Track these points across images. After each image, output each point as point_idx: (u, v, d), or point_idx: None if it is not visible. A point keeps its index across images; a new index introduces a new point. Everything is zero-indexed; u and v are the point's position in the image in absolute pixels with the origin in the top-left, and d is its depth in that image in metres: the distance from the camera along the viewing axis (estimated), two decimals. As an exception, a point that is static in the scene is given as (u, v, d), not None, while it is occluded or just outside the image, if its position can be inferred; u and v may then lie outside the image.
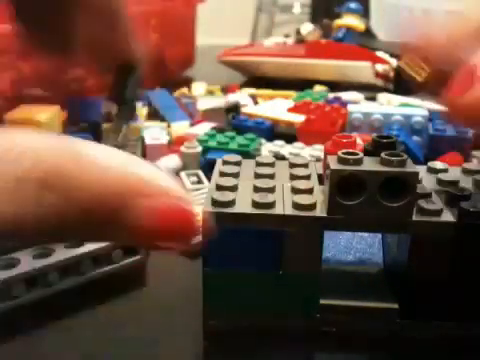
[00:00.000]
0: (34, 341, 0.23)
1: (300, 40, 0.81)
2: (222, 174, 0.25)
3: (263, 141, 0.45)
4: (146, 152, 0.43)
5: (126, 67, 0.17)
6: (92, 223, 0.13)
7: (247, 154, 0.41)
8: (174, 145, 0.45)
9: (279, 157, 0.40)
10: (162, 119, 0.53)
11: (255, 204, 0.22)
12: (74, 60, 0.20)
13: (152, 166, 0.14)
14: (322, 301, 0.23)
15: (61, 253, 0.26)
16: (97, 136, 0.47)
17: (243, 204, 0.22)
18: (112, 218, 0.13)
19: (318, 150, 0.42)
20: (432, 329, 0.23)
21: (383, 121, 0.45)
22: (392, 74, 0.69)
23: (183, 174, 0.40)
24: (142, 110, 0.54)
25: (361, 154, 0.21)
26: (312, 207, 0.22)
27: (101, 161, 0.14)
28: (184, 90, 0.65)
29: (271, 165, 0.26)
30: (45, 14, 0.18)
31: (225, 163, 0.26)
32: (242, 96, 0.60)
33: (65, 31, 0.18)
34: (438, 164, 0.27)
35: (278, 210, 0.22)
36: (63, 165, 0.13)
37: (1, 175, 0.13)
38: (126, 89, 0.17)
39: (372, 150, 0.23)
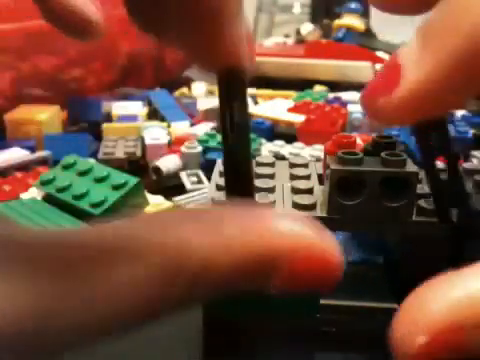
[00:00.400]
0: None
1: (300, 40, 0.81)
2: (222, 174, 0.25)
3: (263, 141, 0.45)
4: (146, 152, 0.43)
5: (231, 74, 0.15)
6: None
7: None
8: (174, 145, 0.45)
9: (279, 157, 0.40)
10: (162, 119, 0.53)
11: (255, 204, 0.22)
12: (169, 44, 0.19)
13: (287, 216, 0.14)
14: (322, 301, 0.23)
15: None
16: (97, 136, 0.48)
17: (243, 204, 0.22)
18: (255, 278, 0.13)
19: (318, 150, 0.42)
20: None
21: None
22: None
23: (183, 174, 0.40)
24: (142, 110, 0.54)
25: (361, 154, 0.21)
26: (312, 207, 0.22)
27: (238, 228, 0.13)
28: (184, 90, 0.65)
29: (271, 165, 0.26)
30: None
31: (225, 163, 0.26)
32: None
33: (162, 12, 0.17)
34: (438, 164, 0.27)
35: (278, 210, 0.22)
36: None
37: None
38: (234, 108, 0.15)
39: (372, 150, 0.23)
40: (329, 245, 0.13)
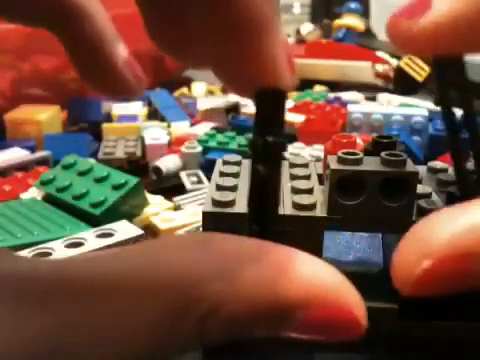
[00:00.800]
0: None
1: (300, 40, 0.81)
2: (222, 174, 0.25)
3: (263, 141, 0.45)
4: (146, 152, 0.43)
5: (269, 94, 0.13)
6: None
7: (247, 154, 0.41)
8: (174, 145, 0.45)
9: (279, 157, 0.39)
10: (162, 119, 0.53)
11: (255, 204, 0.22)
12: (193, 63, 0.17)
13: (306, 263, 0.13)
14: (322, 301, 0.23)
15: (61, 253, 0.26)
16: (97, 136, 0.48)
17: (243, 204, 0.22)
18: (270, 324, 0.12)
19: (318, 150, 0.42)
20: (432, 329, 0.23)
21: (383, 121, 0.45)
22: (392, 74, 0.69)
23: (183, 174, 0.40)
24: (142, 110, 0.54)
25: (361, 154, 0.21)
26: (312, 207, 0.22)
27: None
28: (184, 90, 0.65)
29: (271, 165, 0.26)
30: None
31: (225, 163, 0.26)
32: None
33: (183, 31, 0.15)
34: (438, 164, 0.27)
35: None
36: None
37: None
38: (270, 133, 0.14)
39: (372, 150, 0.23)
40: (349, 297, 0.13)
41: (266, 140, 0.14)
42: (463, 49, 0.13)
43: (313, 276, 0.13)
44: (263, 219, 0.14)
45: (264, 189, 0.14)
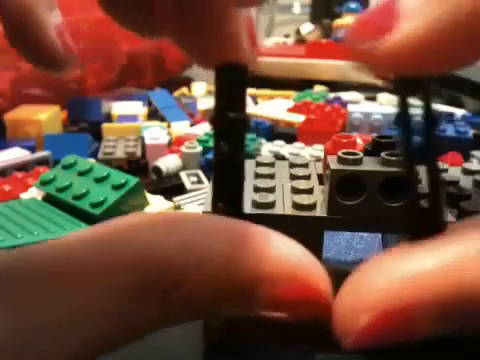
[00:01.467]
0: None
1: (300, 40, 0.82)
2: (222, 174, 0.25)
3: (263, 141, 0.45)
4: (146, 152, 0.43)
5: (229, 70, 0.12)
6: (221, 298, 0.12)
7: (247, 154, 0.41)
8: (174, 145, 0.45)
9: (279, 157, 0.40)
10: (162, 119, 0.53)
11: (255, 204, 0.22)
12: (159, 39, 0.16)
13: (274, 240, 0.13)
14: (322, 301, 0.23)
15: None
16: (97, 136, 0.48)
17: (243, 204, 0.22)
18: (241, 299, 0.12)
19: (318, 150, 0.42)
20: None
21: (383, 121, 0.45)
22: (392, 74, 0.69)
23: (183, 174, 0.40)
24: (142, 110, 0.54)
25: (361, 154, 0.21)
26: (312, 207, 0.22)
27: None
28: (184, 90, 0.65)
29: (271, 165, 0.26)
30: None
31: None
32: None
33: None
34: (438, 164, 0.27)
35: (278, 210, 0.22)
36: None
37: None
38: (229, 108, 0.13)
39: (372, 150, 0.23)
40: (316, 273, 0.13)
41: (227, 116, 0.14)
42: (432, 70, 0.12)
43: (280, 253, 0.12)
44: (228, 196, 0.14)
45: (228, 166, 0.14)
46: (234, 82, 0.14)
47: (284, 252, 0.12)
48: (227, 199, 0.14)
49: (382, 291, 0.11)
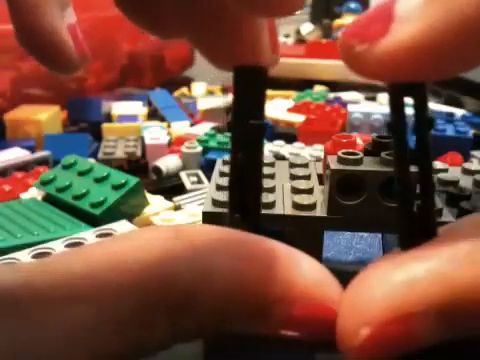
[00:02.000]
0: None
1: (300, 40, 0.81)
2: (222, 174, 0.25)
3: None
4: (146, 152, 0.43)
5: (249, 72, 0.13)
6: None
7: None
8: (174, 145, 0.45)
9: (279, 157, 0.40)
10: (162, 119, 0.53)
11: (255, 204, 0.22)
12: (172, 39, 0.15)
13: (290, 258, 0.12)
14: (322, 301, 0.23)
15: (61, 253, 0.26)
16: (97, 136, 0.48)
17: (243, 204, 0.22)
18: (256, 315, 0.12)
19: (318, 150, 0.42)
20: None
21: (383, 121, 0.45)
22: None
23: (183, 174, 0.40)
24: (142, 110, 0.54)
25: (361, 154, 0.21)
26: (312, 207, 0.22)
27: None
28: (184, 90, 0.65)
29: (271, 165, 0.26)
30: None
31: (225, 163, 0.26)
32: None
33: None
34: (438, 164, 0.27)
35: (278, 210, 0.22)
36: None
37: None
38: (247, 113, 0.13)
39: (372, 150, 0.23)
40: (330, 293, 0.12)
41: (247, 124, 0.13)
42: (426, 77, 0.11)
43: (295, 272, 0.12)
44: (245, 208, 0.13)
45: (246, 176, 0.13)
46: (254, 85, 0.13)
47: (299, 269, 0.12)
48: (244, 211, 0.13)
49: (379, 302, 0.11)
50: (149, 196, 0.34)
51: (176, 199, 0.36)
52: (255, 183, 0.13)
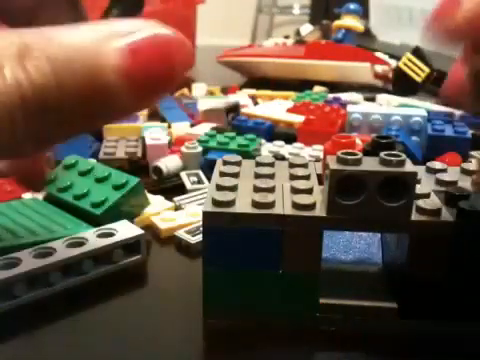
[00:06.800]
0: (35, 341, 0.23)
1: (300, 41, 0.82)
2: (222, 174, 0.25)
3: (263, 141, 0.45)
4: (147, 152, 0.43)
5: None
6: (77, 80, 0.13)
7: (247, 154, 0.41)
8: (174, 145, 0.45)
9: (279, 157, 0.40)
10: (162, 119, 0.53)
11: (255, 204, 0.22)
12: None
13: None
14: (322, 300, 0.23)
15: (62, 253, 0.26)
16: (98, 136, 0.48)
17: (243, 204, 0.22)
18: (93, 67, 0.13)
19: (318, 150, 0.42)
20: (431, 329, 0.23)
21: (382, 121, 0.45)
22: (391, 75, 0.69)
23: (183, 174, 0.40)
24: (142, 110, 0.54)
25: (360, 154, 0.21)
26: (312, 207, 0.22)
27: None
28: (184, 90, 0.65)
29: (271, 165, 0.26)
30: None
31: (225, 163, 0.26)
32: (242, 97, 0.61)
33: None
34: (437, 164, 0.27)
35: (278, 210, 0.22)
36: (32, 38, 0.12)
37: None
38: None
39: (371, 150, 0.23)
40: (161, 29, 0.13)
41: None
42: None
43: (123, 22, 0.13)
44: None
45: None
46: None
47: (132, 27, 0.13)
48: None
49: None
50: (150, 196, 0.34)
51: (176, 199, 0.36)
52: None
